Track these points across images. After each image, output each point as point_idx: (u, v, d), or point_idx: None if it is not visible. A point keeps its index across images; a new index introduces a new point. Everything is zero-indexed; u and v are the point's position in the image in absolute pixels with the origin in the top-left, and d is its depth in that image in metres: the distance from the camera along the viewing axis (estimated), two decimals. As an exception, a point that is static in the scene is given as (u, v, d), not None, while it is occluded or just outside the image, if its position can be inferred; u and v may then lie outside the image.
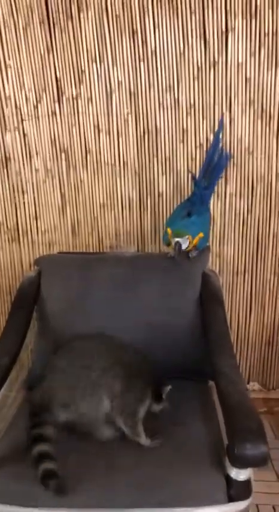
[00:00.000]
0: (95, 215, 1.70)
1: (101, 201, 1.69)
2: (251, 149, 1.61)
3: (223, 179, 1.64)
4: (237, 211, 1.68)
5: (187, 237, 1.33)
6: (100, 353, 1.16)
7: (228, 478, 0.96)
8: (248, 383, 1.88)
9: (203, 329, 1.30)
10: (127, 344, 1.23)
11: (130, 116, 1.60)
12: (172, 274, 1.40)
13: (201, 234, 1.41)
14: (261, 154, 1.62)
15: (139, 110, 1.59)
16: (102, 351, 1.17)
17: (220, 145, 1.53)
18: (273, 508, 1.43)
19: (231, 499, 0.95)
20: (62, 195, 1.69)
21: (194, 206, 1.45)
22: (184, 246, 1.33)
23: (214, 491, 0.95)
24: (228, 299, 1.80)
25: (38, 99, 1.59)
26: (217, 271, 1.76)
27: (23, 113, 1.61)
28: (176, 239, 1.32)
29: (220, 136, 1.53)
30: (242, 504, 0.95)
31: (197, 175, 1.51)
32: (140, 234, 1.72)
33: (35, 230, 1.73)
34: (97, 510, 0.95)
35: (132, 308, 1.34)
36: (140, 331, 1.32)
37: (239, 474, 0.95)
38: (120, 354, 1.19)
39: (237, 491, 0.95)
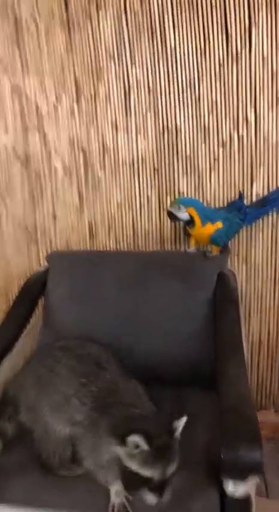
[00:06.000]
0: (112, 214, 1.65)
1: (118, 201, 1.64)
2: (279, 146, 1.51)
3: (249, 178, 1.55)
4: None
5: (184, 208, 1.34)
6: (81, 371, 1.02)
7: (224, 496, 0.83)
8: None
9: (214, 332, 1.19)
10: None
11: (149, 113, 1.56)
12: (184, 273, 1.32)
13: (219, 223, 1.37)
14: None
15: (158, 107, 1.55)
16: (86, 368, 1.03)
17: None
18: None
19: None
20: (80, 194, 1.66)
21: (228, 208, 1.45)
22: (180, 215, 1.35)
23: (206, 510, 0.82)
24: (258, 308, 1.67)
25: (58, 99, 1.60)
26: (244, 278, 1.64)
27: (43, 112, 1.62)
28: (170, 209, 1.37)
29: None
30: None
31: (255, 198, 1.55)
32: (159, 234, 1.64)
33: (53, 230, 1.71)
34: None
35: (139, 308, 1.28)
36: (146, 332, 1.25)
37: (236, 489, 0.82)
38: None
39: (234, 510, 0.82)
